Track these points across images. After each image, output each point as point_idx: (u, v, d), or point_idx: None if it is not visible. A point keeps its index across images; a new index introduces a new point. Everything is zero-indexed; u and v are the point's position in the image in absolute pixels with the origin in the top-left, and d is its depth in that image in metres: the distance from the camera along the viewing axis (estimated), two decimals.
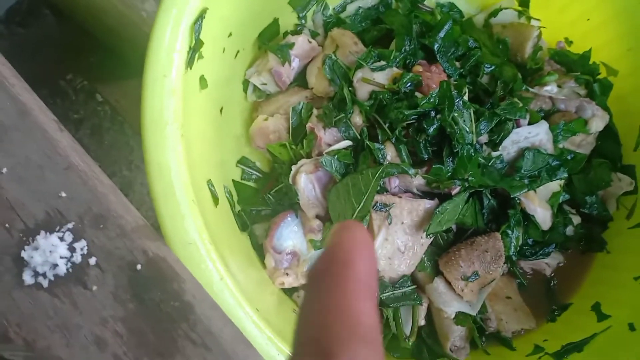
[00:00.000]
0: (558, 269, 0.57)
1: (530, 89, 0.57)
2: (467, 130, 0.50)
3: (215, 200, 0.46)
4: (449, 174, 0.50)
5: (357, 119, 0.52)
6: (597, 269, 0.56)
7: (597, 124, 0.57)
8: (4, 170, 0.33)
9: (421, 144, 0.50)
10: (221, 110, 0.52)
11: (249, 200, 0.53)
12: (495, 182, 0.51)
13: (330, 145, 0.51)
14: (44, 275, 0.30)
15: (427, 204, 0.50)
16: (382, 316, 0.50)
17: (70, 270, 0.30)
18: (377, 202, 0.49)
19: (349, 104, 0.52)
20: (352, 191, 0.49)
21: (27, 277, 0.30)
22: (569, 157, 0.55)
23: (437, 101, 0.50)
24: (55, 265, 0.30)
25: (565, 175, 0.54)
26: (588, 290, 0.55)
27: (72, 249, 0.31)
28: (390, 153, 0.50)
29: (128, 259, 0.31)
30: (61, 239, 0.31)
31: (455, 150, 0.50)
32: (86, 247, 0.31)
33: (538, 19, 0.62)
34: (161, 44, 0.41)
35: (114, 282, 0.30)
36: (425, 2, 0.62)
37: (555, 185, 0.54)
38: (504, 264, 0.52)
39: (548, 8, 0.62)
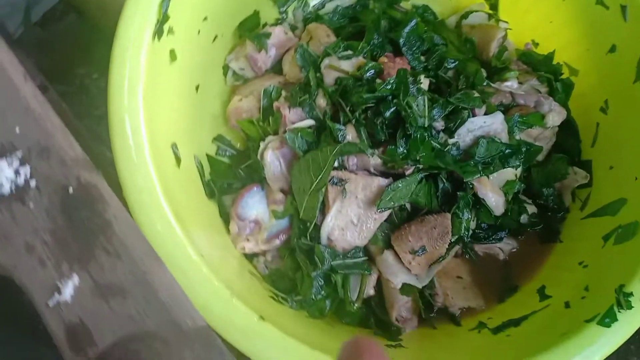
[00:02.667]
0: (514, 255, 0.58)
1: (492, 84, 0.59)
2: (420, 114, 0.53)
3: (178, 161, 0.49)
4: (403, 155, 0.53)
5: (321, 101, 0.55)
6: (551, 257, 0.58)
7: (554, 119, 0.59)
8: None
9: (378, 126, 0.53)
10: (197, 88, 0.56)
11: (222, 174, 0.57)
12: (447, 165, 0.53)
13: (294, 124, 0.55)
14: None
15: (381, 181, 0.52)
16: (331, 281, 0.53)
17: (14, 190, 0.35)
18: (333, 177, 0.52)
19: (313, 87, 0.55)
20: (311, 166, 0.52)
21: None
22: (524, 148, 0.57)
23: (394, 87, 0.53)
24: (0, 185, 0.35)
25: (519, 164, 0.56)
26: (539, 275, 0.57)
27: (17, 173, 0.35)
28: (350, 134, 0.53)
29: (63, 184, 0.35)
30: (9, 164, 0.35)
31: (408, 133, 0.52)
32: (29, 172, 0.35)
33: (506, 22, 0.65)
34: (131, 14, 0.45)
35: (49, 201, 0.34)
36: (401, 4, 0.65)
37: (509, 174, 0.56)
38: (456, 244, 0.55)
39: (515, 11, 0.65)
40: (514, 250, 0.58)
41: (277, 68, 0.61)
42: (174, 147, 0.49)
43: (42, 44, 0.93)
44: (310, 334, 0.47)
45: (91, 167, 0.36)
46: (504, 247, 0.58)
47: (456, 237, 0.54)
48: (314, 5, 0.65)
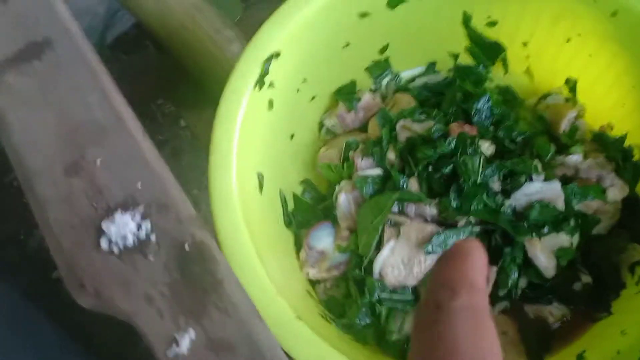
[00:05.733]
0: (564, 323, 0.59)
1: (557, 157, 0.63)
2: (474, 171, 0.58)
3: (261, 186, 0.58)
4: (455, 207, 0.57)
5: (391, 155, 0.62)
6: (597, 325, 0.58)
7: (615, 194, 0.60)
8: (99, 161, 0.42)
9: (436, 180, 0.59)
10: (291, 137, 0.65)
11: (303, 210, 0.64)
12: (500, 222, 0.57)
13: (364, 171, 0.62)
14: (116, 244, 0.38)
15: (434, 228, 0.57)
16: (375, 311, 0.57)
17: (136, 243, 0.39)
18: (390, 219, 0.58)
19: (385, 142, 0.63)
20: (374, 208, 0.59)
21: (104, 244, 0.39)
22: (579, 217, 0.59)
23: (453, 146, 0.60)
24: (125, 237, 0.39)
25: (572, 231, 0.58)
26: (581, 341, 0.57)
27: (139, 227, 0.39)
28: (413, 185, 0.60)
29: (179, 240, 0.39)
30: (132, 218, 0.39)
31: (462, 188, 0.58)
32: (150, 227, 0.39)
33: (582, 104, 0.68)
34: (241, 68, 0.56)
35: (167, 256, 0.38)
36: (485, 84, 0.71)
37: (564, 240, 0.58)
38: (504, 300, 0.58)
39: (592, 95, 0.67)
40: (566, 319, 0.59)
41: (363, 128, 0.69)
42: (260, 175, 0.58)
43: (119, 69, 0.97)
44: (354, 355, 0.52)
45: (202, 226, 0.40)
46: (554, 311, 0.59)
47: (504, 292, 0.57)
48: (406, 80, 0.72)
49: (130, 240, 0.38)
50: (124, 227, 0.39)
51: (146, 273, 0.37)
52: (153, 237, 0.38)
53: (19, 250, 0.90)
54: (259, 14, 0.94)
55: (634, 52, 0.60)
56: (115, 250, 0.38)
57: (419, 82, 0.72)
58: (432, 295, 0.30)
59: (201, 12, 0.76)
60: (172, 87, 0.93)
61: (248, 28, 0.93)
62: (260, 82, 0.56)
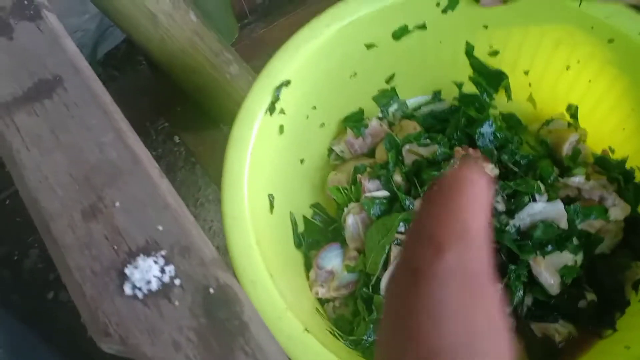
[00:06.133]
0: (570, 341, 0.60)
1: (560, 179, 0.65)
2: None
3: (272, 208, 0.60)
4: None
5: (397, 177, 0.65)
6: (601, 342, 0.59)
7: (617, 213, 0.62)
8: (117, 204, 0.42)
9: None
10: (301, 161, 0.68)
11: (313, 232, 0.67)
12: (501, 238, 0.59)
13: (371, 193, 0.65)
14: (140, 289, 0.38)
15: None
16: None
17: (160, 287, 0.38)
18: (397, 238, 0.60)
19: (391, 165, 0.65)
20: (381, 229, 0.61)
21: (127, 289, 0.38)
22: (582, 236, 0.60)
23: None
24: (149, 282, 0.38)
25: (575, 250, 0.59)
26: (585, 357, 0.58)
27: (162, 271, 0.38)
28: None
29: (204, 284, 0.38)
30: (155, 262, 0.39)
31: None
32: (173, 271, 0.39)
33: (584, 129, 0.70)
34: (253, 95, 0.59)
35: (192, 300, 0.38)
36: (489, 112, 0.73)
37: (568, 259, 0.60)
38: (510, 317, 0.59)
39: (592, 120, 0.69)
40: (572, 337, 0.60)
41: (371, 153, 0.72)
42: (271, 197, 0.60)
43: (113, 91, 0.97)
44: None
45: (225, 267, 0.39)
46: (560, 329, 0.60)
47: (510, 310, 0.59)
48: (412, 107, 0.75)
49: (154, 285, 0.38)
50: (148, 271, 0.38)
51: (172, 318, 0.37)
52: (177, 282, 0.38)
53: (13, 271, 0.89)
54: (254, 34, 0.95)
55: (632, 76, 0.62)
56: (140, 295, 0.38)
57: (424, 109, 0.75)
58: (409, 254, 0.22)
59: (201, 38, 0.76)
60: (168, 108, 0.93)
61: (245, 47, 0.93)
62: (271, 108, 0.59)
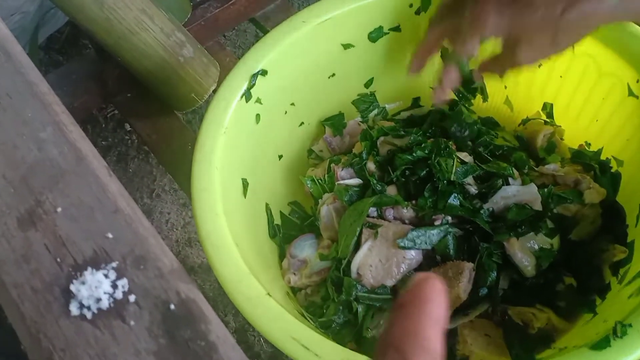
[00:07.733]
0: (548, 325, 0.58)
1: (535, 169, 0.65)
2: (447, 171, 0.61)
3: (245, 192, 0.61)
4: (430, 205, 0.60)
5: (371, 165, 0.66)
6: (580, 323, 0.59)
7: (592, 196, 0.61)
8: (59, 209, 0.36)
9: (413, 183, 0.63)
10: (280, 157, 0.70)
11: (289, 227, 0.68)
12: (473, 217, 0.59)
13: (344, 180, 0.66)
14: (89, 307, 0.33)
15: (411, 229, 0.59)
16: (352, 309, 0.59)
17: (112, 305, 0.33)
18: (368, 222, 0.60)
19: (365, 153, 0.67)
20: (352, 213, 0.62)
21: (74, 308, 0.33)
22: (558, 220, 0.60)
23: (428, 151, 0.63)
24: (99, 300, 0.33)
25: (552, 232, 0.59)
26: (565, 337, 0.58)
27: (114, 286, 0.33)
28: (391, 192, 0.63)
29: (163, 299, 0.33)
30: (106, 276, 0.34)
31: (436, 186, 0.61)
32: (127, 285, 0.34)
33: (559, 125, 0.70)
34: (229, 80, 0.60)
35: (150, 319, 0.33)
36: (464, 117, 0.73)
37: (544, 241, 0.59)
38: (486, 301, 0.58)
39: (567, 117, 0.70)
40: (548, 324, 0.58)
41: (349, 152, 0.72)
42: (244, 181, 0.61)
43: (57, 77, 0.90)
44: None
45: (187, 279, 0.35)
46: (538, 314, 0.59)
47: (484, 292, 0.58)
48: (391, 113, 0.77)
49: (105, 303, 0.33)
50: (97, 287, 0.33)
51: (127, 341, 0.32)
52: (132, 298, 0.33)
53: None
54: (208, 13, 0.89)
55: (601, 64, 0.62)
56: (89, 315, 0.33)
57: (404, 115, 0.76)
58: (380, 358, 0.26)
59: (150, 17, 0.70)
60: (117, 95, 0.86)
61: (198, 28, 0.87)
62: (247, 95, 0.61)
